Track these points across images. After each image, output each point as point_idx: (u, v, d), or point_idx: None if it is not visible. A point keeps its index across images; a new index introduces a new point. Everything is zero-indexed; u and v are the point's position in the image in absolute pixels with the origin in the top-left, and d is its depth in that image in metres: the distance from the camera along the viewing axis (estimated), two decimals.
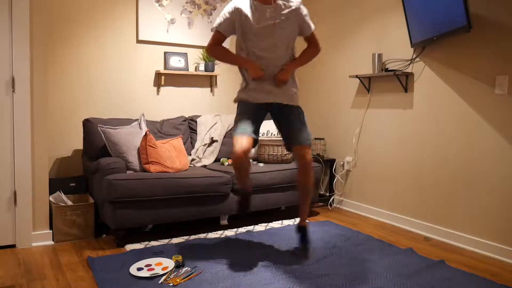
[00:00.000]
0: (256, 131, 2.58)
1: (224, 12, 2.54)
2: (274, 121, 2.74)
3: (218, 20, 2.55)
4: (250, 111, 2.58)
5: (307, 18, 2.60)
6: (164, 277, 2.33)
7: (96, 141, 3.33)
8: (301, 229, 2.85)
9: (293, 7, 2.52)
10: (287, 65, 2.58)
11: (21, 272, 2.45)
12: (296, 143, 2.62)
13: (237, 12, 2.50)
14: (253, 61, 2.54)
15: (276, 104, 2.62)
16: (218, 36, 2.58)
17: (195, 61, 4.21)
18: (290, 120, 2.63)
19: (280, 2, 2.50)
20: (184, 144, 3.61)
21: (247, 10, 2.49)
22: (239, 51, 2.60)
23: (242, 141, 2.46)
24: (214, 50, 2.61)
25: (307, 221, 2.87)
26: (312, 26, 2.65)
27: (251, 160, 2.74)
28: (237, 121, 2.59)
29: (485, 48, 2.90)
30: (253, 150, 3.84)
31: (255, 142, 2.57)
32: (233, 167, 2.61)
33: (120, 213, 2.85)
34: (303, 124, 2.64)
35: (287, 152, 3.72)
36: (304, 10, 2.57)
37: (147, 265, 2.49)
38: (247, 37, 2.53)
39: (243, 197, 2.81)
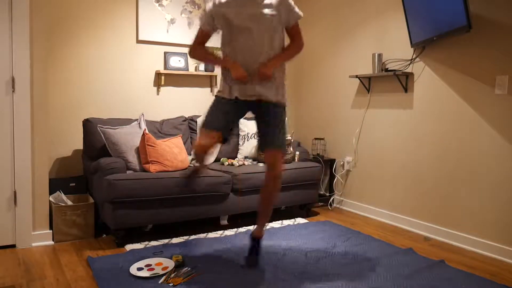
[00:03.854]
0: (227, 127, 2.44)
1: (206, 7, 2.41)
2: (255, 119, 2.56)
3: (202, 16, 2.43)
4: (225, 105, 2.44)
5: (293, 6, 2.40)
6: (164, 277, 2.33)
7: (96, 141, 3.33)
8: (254, 239, 2.62)
9: None
10: (270, 60, 2.38)
11: (21, 272, 2.45)
12: (267, 146, 2.46)
13: (217, 3, 2.37)
14: (233, 61, 2.38)
15: (257, 102, 2.46)
16: (201, 34, 2.45)
17: (195, 61, 4.21)
18: (267, 120, 2.46)
19: None
20: (184, 144, 3.61)
21: (228, 0, 2.36)
22: (223, 47, 2.45)
23: (205, 138, 2.38)
24: (194, 51, 2.48)
25: (263, 232, 2.63)
26: (300, 14, 2.42)
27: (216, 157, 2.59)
28: (209, 111, 2.47)
29: (485, 48, 2.90)
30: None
31: (225, 139, 2.46)
32: (194, 156, 2.53)
33: (120, 213, 2.85)
34: (282, 128, 2.47)
35: (288, 152, 3.72)
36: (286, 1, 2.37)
37: (147, 265, 2.49)
38: (228, 30, 2.40)
39: (191, 173, 2.65)
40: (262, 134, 2.51)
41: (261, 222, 2.59)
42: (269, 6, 2.35)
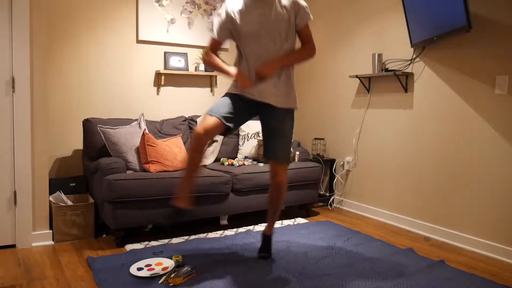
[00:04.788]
0: (232, 118, 2.37)
1: (217, 15, 2.43)
2: (261, 123, 2.54)
3: (214, 25, 2.44)
4: (235, 98, 2.42)
5: (304, 10, 2.37)
6: (164, 277, 2.33)
7: (96, 141, 3.33)
8: (265, 237, 2.73)
9: (286, 3, 2.34)
10: (272, 60, 2.36)
11: (21, 272, 2.45)
12: (270, 157, 2.47)
13: (228, 13, 2.39)
14: (239, 70, 2.38)
15: (265, 105, 2.43)
16: (213, 43, 2.46)
17: (195, 61, 4.21)
18: (273, 127, 2.45)
19: None
20: (184, 144, 3.61)
21: (237, 9, 2.37)
22: (238, 54, 2.50)
23: (208, 121, 2.30)
24: (206, 58, 2.47)
25: (273, 230, 2.74)
26: (309, 17, 2.39)
27: (208, 155, 2.45)
28: (219, 100, 2.44)
29: (485, 48, 2.90)
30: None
31: (227, 129, 2.38)
32: (189, 149, 2.35)
33: (120, 213, 2.85)
34: (286, 137, 2.46)
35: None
36: (297, 5, 2.35)
37: (147, 265, 2.49)
38: (239, 38, 2.42)
39: (177, 209, 2.39)
40: (267, 142, 2.50)
41: (270, 222, 2.70)
42: (280, 9, 2.33)
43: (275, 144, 2.46)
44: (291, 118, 2.52)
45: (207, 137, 2.30)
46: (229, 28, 2.42)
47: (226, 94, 2.49)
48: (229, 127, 2.37)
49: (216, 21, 2.43)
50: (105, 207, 2.92)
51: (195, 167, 2.37)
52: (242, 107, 2.42)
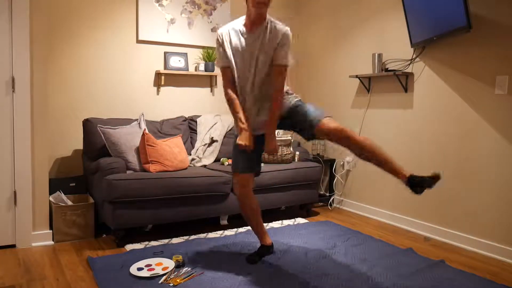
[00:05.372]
0: (252, 162, 2.54)
1: (216, 46, 2.45)
2: (282, 126, 2.57)
3: (217, 58, 2.48)
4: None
5: (285, 48, 2.34)
6: (164, 277, 2.33)
7: (96, 141, 3.33)
8: (411, 180, 2.32)
9: (276, 32, 2.33)
10: (267, 127, 2.42)
11: (21, 272, 2.45)
12: (311, 128, 2.35)
13: (222, 40, 2.40)
14: (245, 130, 2.37)
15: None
16: (223, 72, 2.45)
17: (195, 61, 4.21)
18: (289, 115, 2.47)
19: (267, 26, 2.33)
20: (184, 144, 3.61)
21: (232, 37, 2.39)
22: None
23: (239, 181, 2.54)
24: (225, 94, 2.47)
25: (404, 173, 2.36)
26: (288, 60, 2.37)
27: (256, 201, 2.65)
28: (233, 153, 2.57)
29: (485, 48, 2.90)
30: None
31: (257, 173, 2.60)
32: (240, 206, 2.63)
33: (120, 213, 2.85)
34: (304, 109, 2.43)
35: (288, 152, 3.72)
36: (286, 39, 2.33)
37: (147, 265, 2.49)
38: (233, 66, 2.41)
39: (260, 251, 2.69)
40: (297, 128, 2.49)
41: (389, 169, 2.42)
42: (267, 43, 2.33)
43: (301, 119, 2.43)
44: (296, 102, 2.56)
45: (246, 189, 2.55)
46: (225, 53, 2.42)
47: (234, 141, 2.52)
48: (257, 170, 2.60)
49: (216, 51, 2.46)
50: (105, 207, 2.92)
51: (253, 213, 2.63)
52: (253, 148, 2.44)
